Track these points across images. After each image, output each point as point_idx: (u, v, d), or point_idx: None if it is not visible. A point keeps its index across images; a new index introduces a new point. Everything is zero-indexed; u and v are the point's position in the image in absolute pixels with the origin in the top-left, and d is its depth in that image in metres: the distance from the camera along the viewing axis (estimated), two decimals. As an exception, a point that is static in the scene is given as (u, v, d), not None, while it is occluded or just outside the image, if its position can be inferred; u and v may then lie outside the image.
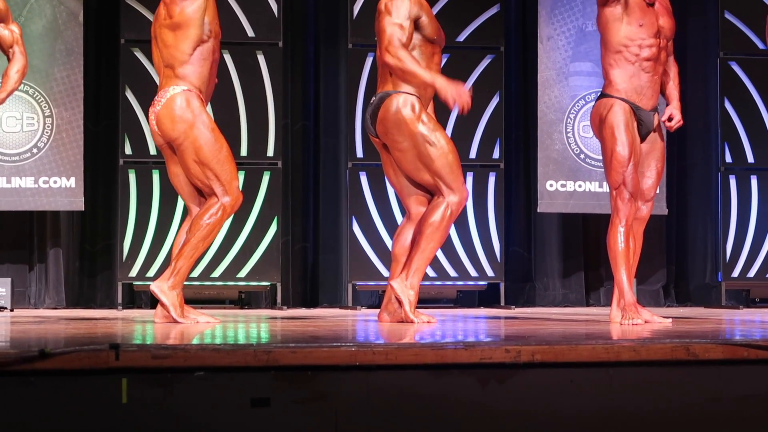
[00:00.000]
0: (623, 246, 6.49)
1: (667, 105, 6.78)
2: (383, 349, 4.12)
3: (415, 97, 6.47)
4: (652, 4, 6.62)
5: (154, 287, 6.42)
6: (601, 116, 6.61)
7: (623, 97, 6.60)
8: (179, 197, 8.83)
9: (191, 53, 6.41)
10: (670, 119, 6.66)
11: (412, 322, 6.39)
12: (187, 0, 6.43)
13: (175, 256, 6.48)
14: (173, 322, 6.38)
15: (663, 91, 6.87)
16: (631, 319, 6.38)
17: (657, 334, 5.26)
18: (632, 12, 6.58)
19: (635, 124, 6.60)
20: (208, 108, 6.61)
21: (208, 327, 6.00)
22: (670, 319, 6.60)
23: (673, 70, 6.87)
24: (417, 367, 4.12)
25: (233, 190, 6.45)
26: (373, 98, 6.60)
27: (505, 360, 4.19)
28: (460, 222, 9.39)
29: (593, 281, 10.20)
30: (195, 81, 6.44)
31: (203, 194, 6.53)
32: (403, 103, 6.47)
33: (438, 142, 6.46)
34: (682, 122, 6.71)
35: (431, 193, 6.59)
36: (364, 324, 6.64)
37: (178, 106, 6.38)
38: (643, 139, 6.67)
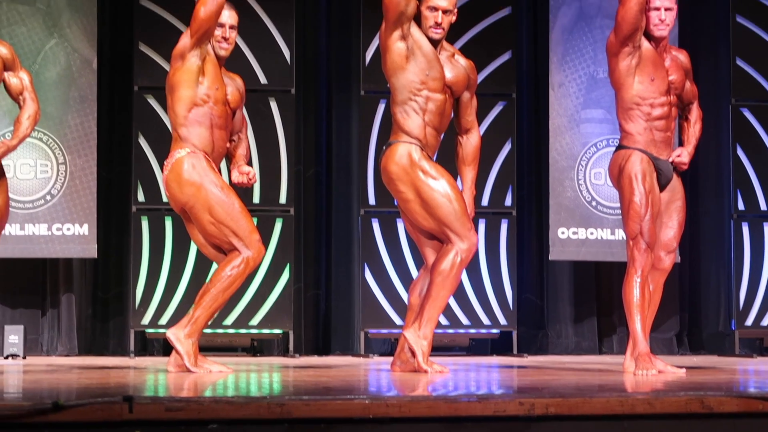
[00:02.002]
0: (639, 296, 6.47)
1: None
2: (397, 402, 4.11)
3: (415, 145, 6.47)
4: (655, 47, 6.61)
5: (170, 334, 6.43)
6: (620, 166, 6.65)
7: (641, 147, 6.63)
8: (192, 244, 8.88)
9: (186, 115, 6.48)
10: (678, 156, 6.67)
11: (425, 372, 6.37)
12: (180, 61, 6.50)
13: (194, 305, 6.49)
14: (186, 371, 6.38)
15: (681, 135, 6.92)
16: (644, 369, 6.35)
17: (671, 386, 5.24)
18: (644, 66, 6.61)
19: (654, 174, 6.63)
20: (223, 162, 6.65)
21: (221, 377, 5.99)
22: (684, 369, 6.57)
23: (694, 115, 6.92)
24: (431, 419, 4.11)
25: (254, 243, 6.47)
26: (383, 149, 6.63)
27: (519, 413, 4.18)
28: (473, 269, 9.37)
29: (606, 328, 10.17)
30: (197, 143, 6.48)
31: (224, 251, 6.54)
32: (403, 152, 6.48)
33: (442, 190, 6.44)
34: (686, 165, 6.71)
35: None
36: (376, 374, 6.62)
37: (184, 169, 6.43)
38: (662, 188, 6.70)
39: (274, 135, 9.31)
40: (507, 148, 9.56)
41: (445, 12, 6.51)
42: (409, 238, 9.12)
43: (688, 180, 9.91)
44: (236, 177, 6.70)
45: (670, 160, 6.66)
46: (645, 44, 6.65)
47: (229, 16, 6.60)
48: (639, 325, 6.46)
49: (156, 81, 8.85)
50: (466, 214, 6.49)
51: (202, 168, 6.44)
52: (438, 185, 6.45)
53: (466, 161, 6.75)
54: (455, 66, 6.66)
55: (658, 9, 6.62)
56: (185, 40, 6.50)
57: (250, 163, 6.86)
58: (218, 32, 6.56)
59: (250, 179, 6.68)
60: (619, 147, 6.73)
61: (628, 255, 6.59)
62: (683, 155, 6.69)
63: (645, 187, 6.56)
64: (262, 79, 9.31)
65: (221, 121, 6.56)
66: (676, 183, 6.78)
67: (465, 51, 9.07)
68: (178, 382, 5.52)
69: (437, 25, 6.50)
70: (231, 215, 6.43)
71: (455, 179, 6.65)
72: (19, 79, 6.89)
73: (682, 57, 6.87)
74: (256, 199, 9.25)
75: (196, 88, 6.47)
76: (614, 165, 6.71)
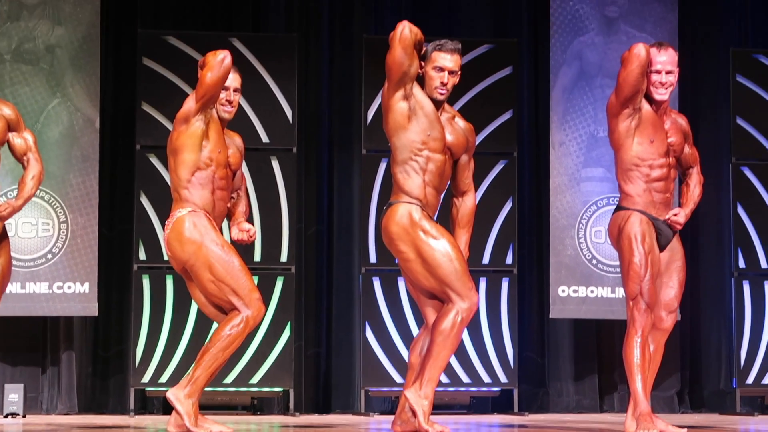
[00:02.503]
0: (639, 357, 6.44)
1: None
2: (398, 466, 4.07)
3: (416, 205, 6.45)
4: (656, 110, 6.61)
5: (170, 395, 6.39)
6: (620, 227, 6.62)
7: (640, 208, 6.61)
8: (192, 303, 8.84)
9: (189, 179, 6.46)
10: (675, 215, 6.64)
11: (426, 431, 6.31)
12: (184, 125, 6.49)
13: (194, 364, 6.46)
14: (187, 431, 6.34)
15: (680, 199, 6.90)
16: (646, 429, 6.31)
17: (673, 447, 5.19)
18: (644, 128, 6.60)
19: (654, 234, 6.61)
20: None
21: (222, 437, 5.96)
22: (685, 430, 6.52)
23: (695, 179, 6.89)
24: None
25: (253, 302, 6.43)
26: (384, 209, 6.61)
27: (521, 476, 4.14)
28: (474, 327, 9.33)
29: (607, 386, 10.11)
30: (199, 202, 6.46)
31: (224, 311, 6.51)
32: (404, 212, 6.45)
33: (442, 249, 6.39)
34: (681, 225, 6.67)
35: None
36: (377, 434, 6.59)
37: (185, 228, 6.41)
38: (662, 249, 6.67)
39: (276, 193, 9.31)
40: (508, 206, 9.55)
41: (451, 73, 6.49)
42: (410, 296, 9.11)
43: (689, 239, 9.93)
44: (236, 234, 6.68)
45: (666, 218, 6.63)
46: (645, 106, 6.63)
47: (233, 79, 6.59)
48: (640, 384, 6.41)
49: (158, 140, 8.87)
50: (467, 274, 6.44)
51: (203, 226, 6.42)
52: (439, 245, 6.41)
53: (461, 223, 6.72)
54: (455, 128, 6.64)
55: (659, 72, 6.60)
56: (190, 105, 6.47)
57: (250, 221, 6.84)
58: (222, 95, 6.55)
59: (251, 236, 6.65)
60: (618, 208, 6.71)
61: (628, 315, 6.55)
62: (680, 215, 6.66)
63: (644, 248, 6.53)
64: (264, 138, 9.32)
65: (223, 183, 6.55)
66: (675, 243, 6.75)
67: (466, 109, 9.23)
68: (178, 443, 5.47)
69: (443, 85, 6.48)
70: (231, 273, 6.40)
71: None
72: (23, 139, 6.89)
73: (682, 121, 6.86)
74: (257, 257, 9.24)
75: (200, 152, 6.46)
76: (614, 225, 6.68)
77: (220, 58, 6.38)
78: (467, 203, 6.76)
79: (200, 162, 6.47)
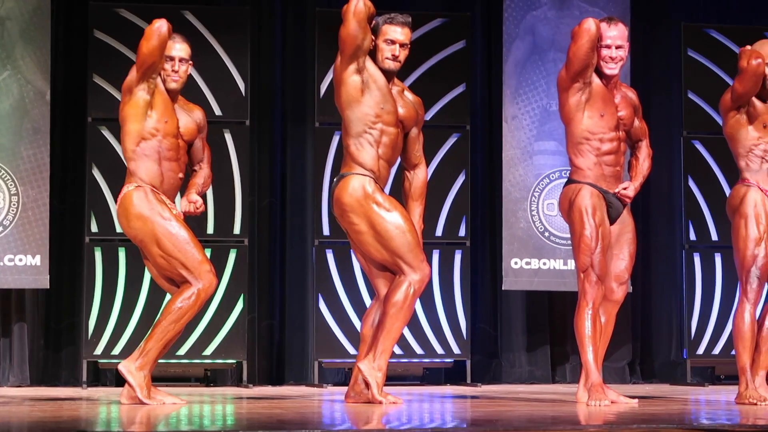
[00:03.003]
0: (591, 328, 6.48)
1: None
2: (350, 436, 4.07)
3: (369, 177, 6.47)
4: (609, 81, 6.64)
5: (122, 367, 6.39)
6: (570, 200, 6.67)
7: (590, 182, 6.65)
8: (146, 275, 8.84)
9: (134, 149, 6.48)
10: (624, 189, 6.66)
11: (379, 403, 6.35)
12: (128, 95, 6.51)
13: (146, 337, 6.46)
14: (139, 403, 6.32)
15: (630, 172, 6.94)
16: (597, 400, 6.34)
17: (623, 418, 5.24)
18: (594, 102, 6.64)
19: (604, 207, 6.65)
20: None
21: (174, 409, 5.95)
22: (637, 400, 6.58)
23: (644, 152, 6.93)
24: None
25: (204, 275, 6.44)
26: (333, 180, 6.61)
27: (473, 447, 4.15)
28: (427, 299, 9.38)
29: (559, 357, 10.17)
30: (145, 177, 6.48)
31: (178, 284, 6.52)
32: (357, 184, 6.47)
33: (395, 221, 6.42)
34: (630, 199, 6.70)
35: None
36: (330, 405, 6.59)
37: (132, 204, 6.44)
38: (613, 221, 6.72)
39: (229, 166, 9.29)
40: (461, 179, 9.57)
41: (402, 46, 6.54)
42: (362, 268, 9.11)
43: (641, 212, 10.01)
44: (184, 206, 6.68)
45: (615, 191, 6.67)
46: (595, 80, 6.67)
47: (180, 49, 6.62)
48: (591, 356, 6.46)
49: (110, 112, 8.80)
50: (419, 246, 6.49)
51: (149, 201, 6.45)
52: (391, 217, 6.44)
53: (414, 196, 6.76)
54: (405, 101, 6.69)
55: (609, 47, 6.64)
56: (132, 75, 6.51)
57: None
58: (168, 65, 6.57)
59: (198, 208, 6.65)
60: (569, 181, 6.76)
61: (579, 287, 6.60)
62: (629, 189, 6.70)
63: (595, 221, 6.58)
64: (217, 111, 9.29)
65: (171, 154, 6.55)
66: (626, 215, 6.80)
67: (420, 83, 9.25)
68: (130, 415, 5.47)
69: (394, 58, 6.53)
70: (179, 247, 6.42)
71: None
72: None
73: (632, 95, 6.91)
74: (210, 229, 9.23)
75: (144, 122, 6.47)
76: (564, 199, 6.74)
77: (156, 26, 6.41)
78: (419, 176, 6.79)
79: (144, 132, 6.49)
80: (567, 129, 6.73)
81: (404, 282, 6.44)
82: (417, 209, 6.74)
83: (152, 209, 6.44)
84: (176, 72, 6.59)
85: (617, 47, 6.64)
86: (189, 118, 6.76)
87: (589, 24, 6.53)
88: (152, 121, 6.50)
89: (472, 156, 9.75)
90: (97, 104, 9.16)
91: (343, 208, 6.50)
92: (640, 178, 6.87)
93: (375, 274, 6.61)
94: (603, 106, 6.66)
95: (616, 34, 6.64)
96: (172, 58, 6.58)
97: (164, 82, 6.59)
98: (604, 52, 6.62)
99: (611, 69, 6.64)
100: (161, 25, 6.41)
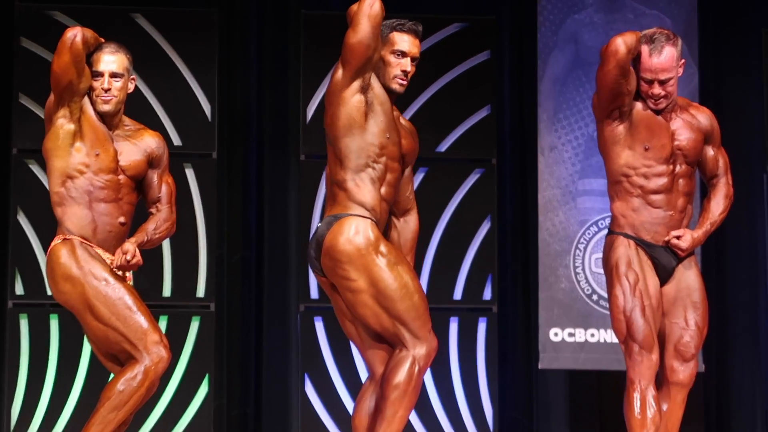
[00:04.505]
0: (639, 414, 6.41)
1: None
2: None
3: (370, 221, 6.30)
4: (659, 112, 6.54)
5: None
6: (606, 256, 6.61)
7: (628, 232, 6.56)
8: (85, 346, 8.94)
9: (59, 191, 6.47)
10: (677, 238, 6.56)
11: None
12: (49, 124, 6.51)
13: (84, 429, 6.37)
14: None
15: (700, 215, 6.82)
16: None
17: None
18: (636, 131, 6.52)
19: (646, 262, 6.55)
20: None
21: None
22: None
23: (719, 193, 6.81)
24: None
25: (150, 348, 6.34)
26: (318, 224, 6.45)
27: None
28: (442, 380, 9.40)
29: (611, 453, 10.08)
30: (72, 226, 6.42)
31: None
32: (360, 228, 6.28)
33: (401, 278, 6.25)
34: (684, 251, 6.58)
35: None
36: None
37: (59, 262, 6.40)
38: (664, 281, 6.58)
39: (191, 210, 9.30)
40: (485, 227, 9.57)
41: (413, 60, 6.45)
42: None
43: (714, 268, 9.86)
44: (116, 259, 6.54)
45: (666, 239, 6.57)
46: (638, 105, 6.56)
47: (111, 61, 6.51)
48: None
49: (40, 142, 8.61)
50: (427, 312, 6.33)
51: (78, 258, 6.36)
52: (398, 273, 6.27)
53: (405, 249, 6.67)
54: (405, 131, 6.63)
55: (651, 83, 6.50)
56: (50, 99, 6.49)
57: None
58: (96, 83, 6.48)
59: (129, 262, 6.47)
60: (608, 232, 6.69)
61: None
62: (684, 238, 6.55)
63: (629, 279, 6.47)
64: (176, 140, 9.28)
65: (107, 194, 6.46)
66: (688, 274, 6.65)
67: (432, 105, 9.39)
68: None
69: (404, 74, 6.42)
70: (117, 314, 6.32)
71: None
72: None
73: (702, 117, 6.72)
74: (166, 291, 9.27)
75: (69, 157, 6.42)
76: (603, 254, 6.69)
77: (67, 36, 6.36)
78: (410, 224, 6.69)
79: (70, 169, 6.42)
80: (605, 165, 6.72)
81: (407, 358, 6.23)
82: None
83: (82, 267, 6.35)
84: (107, 91, 6.50)
85: (661, 83, 6.49)
86: (135, 147, 6.65)
87: (618, 45, 6.39)
88: (80, 155, 6.42)
89: (499, 197, 9.76)
90: (24, 132, 9.18)
91: (337, 258, 6.29)
92: (706, 225, 6.72)
93: (368, 346, 6.42)
94: (648, 135, 6.51)
95: (661, 63, 6.47)
96: (100, 74, 6.48)
97: (94, 104, 6.52)
98: (645, 87, 6.52)
99: (657, 105, 6.56)
100: (74, 35, 6.31)
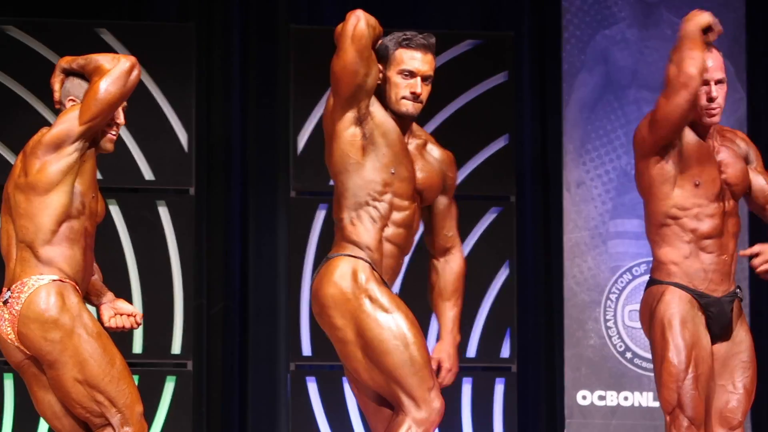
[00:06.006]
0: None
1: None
2: None
3: (363, 261, 6.34)
4: (705, 136, 6.55)
5: None
6: (651, 309, 6.54)
7: (679, 282, 6.54)
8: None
9: (54, 230, 6.38)
10: (758, 255, 6.54)
11: None
12: (54, 153, 6.41)
13: None
14: None
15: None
16: None
17: None
18: (687, 165, 6.51)
19: (701, 318, 6.53)
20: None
21: None
22: None
23: None
24: None
25: (134, 418, 6.31)
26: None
27: None
28: None
29: None
30: (66, 268, 6.37)
31: (89, 428, 6.38)
32: (346, 269, 6.32)
33: (395, 328, 6.24)
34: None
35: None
36: None
37: (51, 305, 6.29)
38: (716, 338, 6.58)
39: (164, 253, 9.40)
40: (503, 274, 9.67)
41: (424, 79, 6.41)
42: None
43: (759, 317, 9.90)
44: (113, 319, 6.56)
45: (744, 253, 6.58)
46: (688, 134, 6.57)
47: None
48: None
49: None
50: (428, 368, 6.28)
51: (73, 305, 6.31)
52: (389, 321, 6.25)
53: (445, 294, 6.65)
54: (427, 161, 6.59)
55: (707, 83, 6.52)
56: (71, 125, 6.36)
57: (123, 295, 6.73)
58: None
59: (137, 322, 6.56)
60: (651, 281, 6.65)
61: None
62: (764, 253, 6.54)
63: (685, 341, 6.45)
64: (147, 175, 9.41)
65: (91, 240, 6.48)
66: (738, 330, 6.66)
67: (442, 134, 9.15)
68: None
69: (414, 97, 6.39)
70: (110, 376, 6.29)
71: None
72: None
73: (740, 141, 6.76)
74: (137, 347, 9.31)
75: (72, 195, 6.38)
76: (645, 307, 6.61)
77: (128, 66, 6.36)
78: (453, 264, 6.68)
79: (71, 208, 6.38)
80: (646, 206, 6.68)
81: (403, 424, 6.21)
82: (450, 312, 6.62)
83: (77, 316, 6.30)
84: (119, 126, 6.54)
85: (717, 82, 6.52)
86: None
87: (690, 74, 6.37)
88: (79, 195, 6.40)
89: (519, 240, 9.83)
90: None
91: (322, 302, 6.31)
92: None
93: (371, 410, 6.46)
94: (699, 169, 6.51)
95: (714, 60, 6.53)
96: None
97: (101, 140, 6.49)
98: (701, 91, 6.50)
99: (712, 115, 6.56)
100: (136, 65, 6.37)
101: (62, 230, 6.38)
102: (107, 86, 6.36)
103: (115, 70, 6.36)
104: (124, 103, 6.52)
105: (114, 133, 6.52)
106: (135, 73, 6.37)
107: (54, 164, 6.40)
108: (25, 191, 6.41)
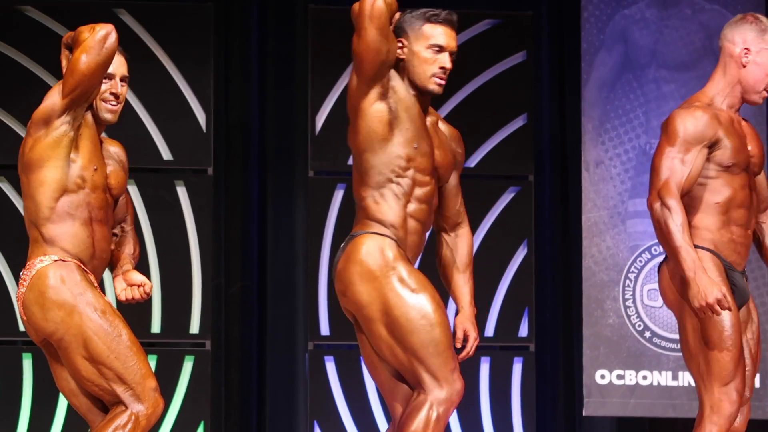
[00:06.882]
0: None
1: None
2: None
3: (390, 239, 6.37)
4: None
5: None
6: (682, 275, 6.38)
7: (713, 249, 6.48)
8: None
9: (53, 207, 6.40)
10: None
11: None
12: (43, 128, 6.43)
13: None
14: None
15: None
16: None
17: None
18: (728, 135, 6.47)
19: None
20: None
21: None
22: None
23: None
24: None
25: (148, 394, 6.35)
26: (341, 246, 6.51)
27: None
28: (472, 429, 9.46)
29: None
30: (69, 246, 6.39)
31: (105, 404, 6.42)
32: (373, 247, 6.35)
33: (421, 307, 6.28)
34: None
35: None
36: None
37: (50, 285, 6.33)
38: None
39: (183, 234, 9.40)
40: (521, 254, 9.67)
41: (451, 54, 6.44)
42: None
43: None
44: (124, 291, 6.59)
45: None
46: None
47: (121, 63, 6.56)
48: None
49: (9, 156, 8.70)
50: (451, 349, 6.32)
51: (74, 283, 6.33)
52: (416, 300, 6.28)
53: (461, 267, 6.67)
54: (441, 139, 6.62)
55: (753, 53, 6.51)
56: (54, 100, 6.39)
57: (143, 270, 6.74)
58: (104, 86, 6.50)
59: (146, 293, 6.56)
60: None
61: (700, 412, 6.46)
62: None
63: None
64: (166, 155, 9.42)
65: (102, 214, 6.47)
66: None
67: (459, 114, 9.23)
68: None
69: (444, 72, 6.43)
70: (116, 351, 6.31)
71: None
72: None
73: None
74: (155, 327, 9.32)
75: (68, 168, 6.39)
76: (669, 275, 6.52)
77: (102, 34, 6.29)
78: (464, 239, 6.71)
79: (69, 182, 6.39)
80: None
81: (424, 403, 6.25)
82: (465, 286, 6.63)
83: (80, 294, 6.32)
84: (116, 97, 6.54)
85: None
86: (115, 162, 6.69)
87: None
88: (77, 168, 6.40)
89: (537, 220, 9.83)
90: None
91: (348, 280, 6.34)
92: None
93: (389, 388, 6.48)
94: (738, 142, 6.50)
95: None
96: (110, 77, 6.51)
97: (96, 111, 6.53)
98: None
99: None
100: (110, 32, 6.31)
101: (61, 206, 6.41)
102: (82, 56, 6.34)
103: (90, 39, 6.33)
104: (122, 72, 6.56)
105: (114, 103, 6.54)
106: (110, 40, 6.32)
107: (44, 140, 6.44)
108: (25, 171, 6.49)
